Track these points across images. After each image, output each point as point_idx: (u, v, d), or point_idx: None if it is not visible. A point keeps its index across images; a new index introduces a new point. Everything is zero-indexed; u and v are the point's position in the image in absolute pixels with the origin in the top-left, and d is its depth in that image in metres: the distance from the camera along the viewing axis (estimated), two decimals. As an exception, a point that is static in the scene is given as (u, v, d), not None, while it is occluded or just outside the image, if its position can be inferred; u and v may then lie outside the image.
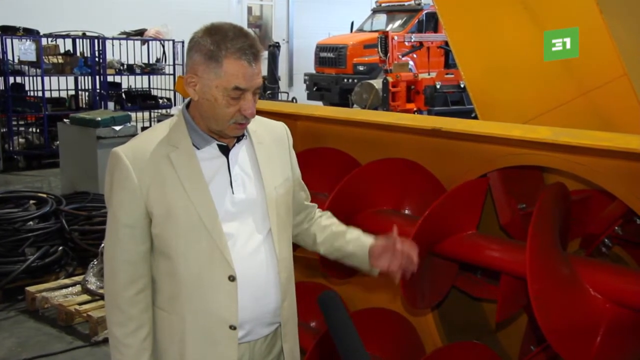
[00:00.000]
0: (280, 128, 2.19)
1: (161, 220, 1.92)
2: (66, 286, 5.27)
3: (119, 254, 1.94)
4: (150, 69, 12.38)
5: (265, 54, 15.66)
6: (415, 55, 14.09)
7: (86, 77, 11.63)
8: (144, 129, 9.43)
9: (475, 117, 3.86)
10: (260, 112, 2.31)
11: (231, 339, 1.95)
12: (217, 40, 1.84)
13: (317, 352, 2.90)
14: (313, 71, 16.73)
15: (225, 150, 1.99)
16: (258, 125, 2.09)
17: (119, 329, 1.96)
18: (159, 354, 2.01)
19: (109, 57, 11.80)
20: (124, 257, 1.94)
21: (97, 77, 11.50)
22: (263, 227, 2.01)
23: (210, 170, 1.95)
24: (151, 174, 1.90)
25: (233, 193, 1.97)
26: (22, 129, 11.08)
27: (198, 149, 1.96)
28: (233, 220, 1.96)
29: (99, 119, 7.97)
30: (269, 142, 2.10)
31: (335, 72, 15.92)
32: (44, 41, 11.10)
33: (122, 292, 1.94)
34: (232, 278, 1.92)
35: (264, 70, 15.19)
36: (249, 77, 1.85)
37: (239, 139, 2.02)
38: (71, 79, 11.66)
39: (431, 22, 15.36)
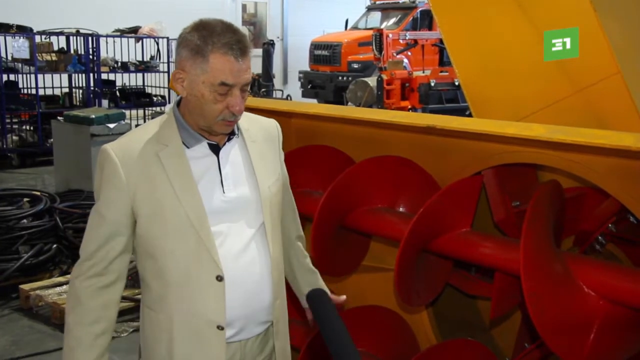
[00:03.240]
0: (272, 126, 2.18)
1: (147, 220, 1.91)
2: (60, 284, 5.25)
3: (94, 247, 1.93)
4: (145, 67, 12.34)
5: (259, 51, 15.68)
6: (409, 53, 14.07)
7: (80, 75, 11.60)
8: (138, 126, 9.41)
9: (470, 115, 3.86)
10: (255, 110, 2.31)
11: (219, 339, 1.94)
12: (204, 35, 1.82)
13: (310, 352, 2.90)
14: (307, 69, 16.71)
15: (215, 149, 1.98)
16: (250, 123, 2.08)
17: (73, 317, 1.94)
18: (147, 354, 2.00)
19: (103, 54, 11.76)
20: (100, 252, 1.93)
21: (91, 75, 11.47)
22: (255, 226, 2.00)
23: (200, 169, 1.94)
24: (139, 172, 1.89)
25: (224, 192, 1.96)
26: (15, 126, 11.05)
27: (188, 147, 1.94)
28: (224, 219, 1.95)
29: (93, 116, 7.95)
30: (262, 140, 2.09)
31: (329, 70, 15.90)
32: (37, 38, 11.05)
33: (85, 281, 1.93)
34: (219, 278, 1.91)
35: (258, 68, 15.27)
36: (235, 73, 1.83)
37: (230, 137, 2.01)
38: (65, 76, 11.63)
39: (426, 20, 15.35)
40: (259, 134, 2.09)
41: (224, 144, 2.00)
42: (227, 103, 1.86)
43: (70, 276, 2.01)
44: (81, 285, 1.94)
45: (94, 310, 1.93)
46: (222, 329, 1.93)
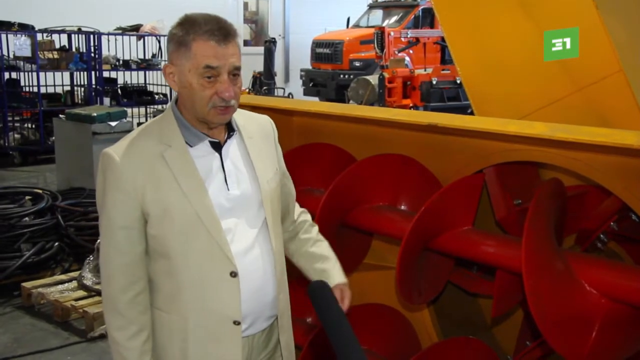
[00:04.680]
0: (266, 122, 2.19)
1: (158, 221, 1.90)
2: (62, 282, 5.26)
3: (116, 258, 1.92)
4: (146, 65, 12.36)
5: (260, 49, 15.68)
6: (411, 51, 14.07)
7: (82, 73, 11.62)
8: (139, 124, 9.41)
9: (472, 113, 3.86)
10: (257, 108, 2.30)
11: (235, 334, 1.95)
12: (186, 27, 1.86)
13: (312, 349, 2.90)
14: (309, 67, 16.71)
15: (217, 147, 1.98)
16: (246, 120, 2.09)
17: (120, 332, 1.94)
18: (158, 355, 1.99)
19: (104, 52, 11.78)
20: (121, 260, 1.92)
21: (93, 73, 11.49)
22: (258, 221, 2.02)
23: (204, 167, 1.95)
24: (145, 174, 1.89)
25: (228, 189, 1.97)
26: (17, 124, 11.08)
27: (190, 146, 1.95)
28: (229, 216, 1.96)
29: (95, 114, 7.95)
30: (258, 136, 2.10)
31: (331, 68, 15.89)
32: (39, 36, 11.07)
33: (121, 295, 1.92)
34: (233, 274, 1.92)
35: (260, 66, 15.24)
36: (220, 56, 1.84)
37: (229, 134, 2.01)
38: (67, 74, 11.64)
39: (427, 18, 15.34)
40: (255, 131, 2.10)
41: (225, 141, 2.00)
42: (216, 89, 1.87)
43: (103, 292, 1.99)
44: (119, 299, 1.92)
45: (136, 320, 1.94)
46: (239, 324, 1.95)
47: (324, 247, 2.28)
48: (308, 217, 2.34)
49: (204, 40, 1.84)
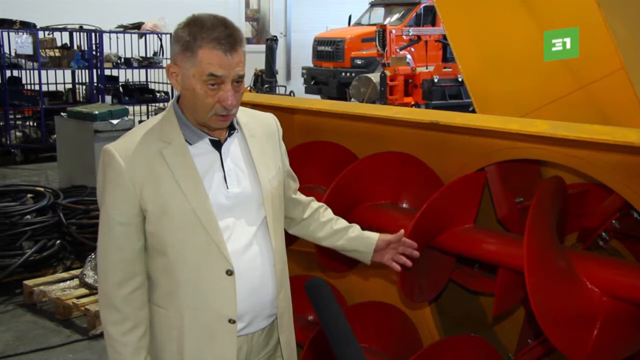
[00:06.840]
0: (270, 120, 2.18)
1: (156, 218, 1.91)
2: (64, 280, 5.28)
3: (113, 253, 1.92)
4: (148, 63, 12.36)
5: (262, 47, 15.68)
6: (413, 49, 14.09)
7: (83, 71, 11.62)
8: (141, 122, 9.41)
9: (473, 111, 3.85)
10: (259, 106, 2.30)
11: (230, 333, 1.95)
12: (194, 31, 1.84)
13: (313, 348, 2.90)
14: (311, 65, 16.71)
15: (217, 145, 1.98)
16: (248, 118, 2.09)
17: (115, 328, 1.94)
18: (157, 351, 2.00)
19: (106, 50, 11.78)
20: (118, 256, 1.92)
21: (95, 71, 11.48)
22: (258, 220, 2.01)
23: (204, 165, 1.95)
24: (144, 171, 1.89)
25: (227, 187, 1.96)
26: (19, 122, 11.09)
27: (190, 144, 1.95)
28: (228, 214, 1.95)
29: (96, 112, 7.96)
30: (261, 134, 2.09)
31: (333, 66, 15.90)
32: (40, 34, 11.08)
33: (117, 291, 1.92)
34: (229, 272, 1.92)
35: (261, 64, 15.24)
36: (225, 65, 1.83)
37: (230, 132, 2.01)
38: (68, 72, 11.65)
39: (429, 16, 15.35)
40: (258, 129, 2.10)
41: (225, 139, 2.00)
42: (219, 97, 1.86)
43: (99, 287, 1.99)
44: (115, 294, 1.93)
45: (131, 316, 1.94)
46: (234, 322, 1.95)
47: (345, 221, 2.36)
48: (318, 202, 2.40)
49: (211, 48, 1.82)
